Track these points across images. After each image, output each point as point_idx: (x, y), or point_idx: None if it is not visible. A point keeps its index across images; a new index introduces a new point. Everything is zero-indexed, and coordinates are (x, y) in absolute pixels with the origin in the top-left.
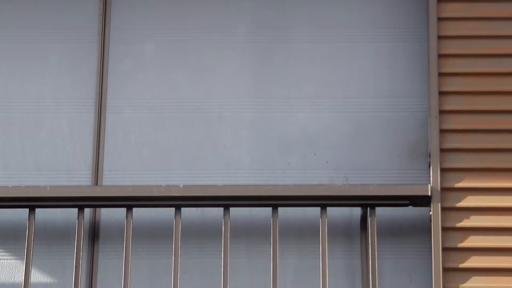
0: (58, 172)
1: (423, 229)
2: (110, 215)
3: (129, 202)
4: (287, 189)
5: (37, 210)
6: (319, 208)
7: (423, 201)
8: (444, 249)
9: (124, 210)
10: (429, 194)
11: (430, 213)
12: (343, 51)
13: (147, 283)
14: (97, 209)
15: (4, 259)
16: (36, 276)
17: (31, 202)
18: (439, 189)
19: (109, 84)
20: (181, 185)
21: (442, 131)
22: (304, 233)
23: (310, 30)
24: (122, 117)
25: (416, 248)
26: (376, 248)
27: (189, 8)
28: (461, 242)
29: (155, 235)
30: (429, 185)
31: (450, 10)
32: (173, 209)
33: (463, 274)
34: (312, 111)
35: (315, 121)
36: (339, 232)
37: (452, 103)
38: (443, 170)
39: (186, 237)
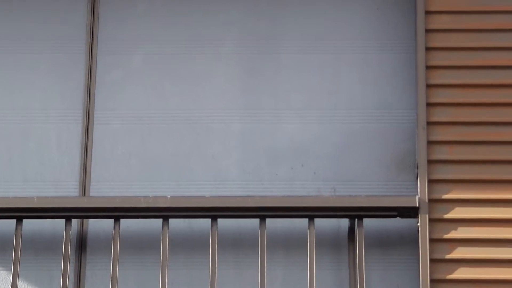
0: (46, 182)
1: (411, 241)
2: (97, 226)
3: (117, 213)
4: (275, 200)
5: (24, 221)
6: (307, 219)
7: (411, 212)
8: (432, 260)
9: (111, 221)
10: (417, 205)
11: (418, 224)
12: (331, 62)
13: None
14: (85, 220)
15: None
16: (23, 287)
17: (18, 213)
18: (426, 200)
19: (97, 95)
20: (168, 196)
21: (430, 143)
22: (292, 244)
23: (299, 41)
24: (110, 128)
25: (404, 260)
26: (364, 259)
27: (177, 18)
28: (449, 253)
29: (143, 246)
30: (416, 196)
31: (438, 21)
32: (160, 220)
33: (451, 286)
34: (300, 122)
35: (303, 132)
36: (326, 244)
37: (439, 115)
38: (430, 182)
39: (174, 248)
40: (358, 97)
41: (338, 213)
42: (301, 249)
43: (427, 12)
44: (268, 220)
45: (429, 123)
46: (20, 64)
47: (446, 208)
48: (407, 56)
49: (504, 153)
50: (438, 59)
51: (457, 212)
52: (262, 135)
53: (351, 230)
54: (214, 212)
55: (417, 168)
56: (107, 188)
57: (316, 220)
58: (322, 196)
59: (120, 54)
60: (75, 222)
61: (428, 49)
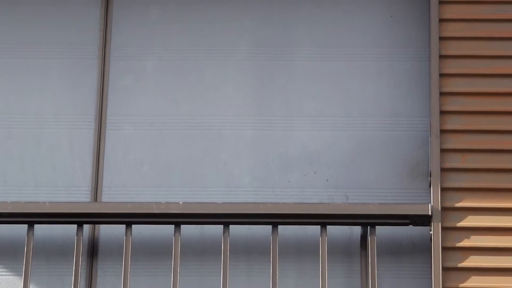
0: (57, 188)
1: (423, 249)
2: (109, 231)
3: (129, 219)
4: (287, 207)
5: (36, 226)
6: (319, 227)
7: (424, 220)
8: (444, 268)
9: (123, 226)
10: (430, 213)
11: (431, 232)
12: (344, 70)
13: None
14: (96, 225)
15: (3, 275)
16: None
17: (30, 218)
18: (439, 208)
19: (109, 100)
20: (180, 202)
21: (443, 151)
22: (303, 252)
23: (311, 48)
24: (122, 134)
25: (416, 268)
26: (376, 267)
27: (190, 25)
28: (461, 262)
29: (154, 252)
30: (429, 204)
31: (452, 29)
32: (172, 226)
33: None
34: (313, 129)
35: (315, 139)
36: (339, 251)
37: (453, 123)
38: (443, 190)
39: (186, 255)
40: (371, 105)
41: (350, 221)
42: (313, 256)
43: (441, 20)
44: (280, 227)
45: (442, 131)
46: (33, 69)
47: (459, 216)
48: (420, 64)
49: None
50: (452, 67)
51: (470, 221)
52: (274, 142)
53: (363, 238)
54: (226, 219)
55: (430, 176)
56: (119, 193)
57: (328, 227)
58: (334, 204)
59: (132, 60)
60: (86, 227)
61: (441, 57)
